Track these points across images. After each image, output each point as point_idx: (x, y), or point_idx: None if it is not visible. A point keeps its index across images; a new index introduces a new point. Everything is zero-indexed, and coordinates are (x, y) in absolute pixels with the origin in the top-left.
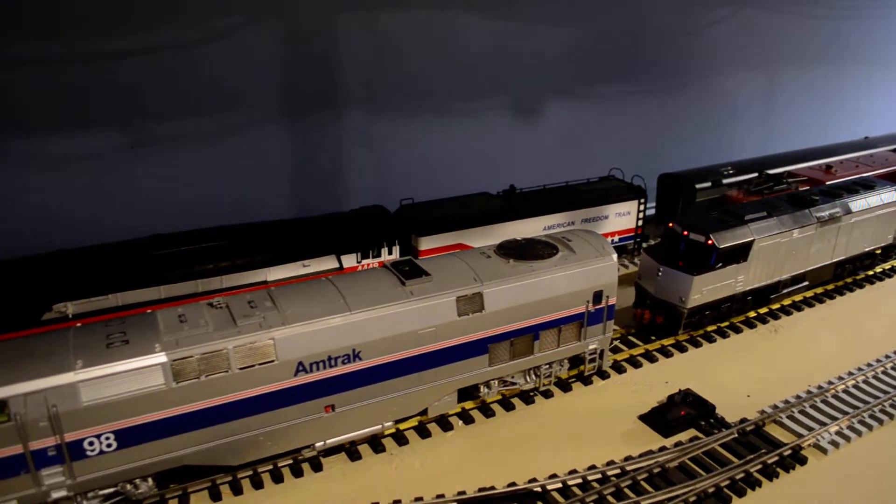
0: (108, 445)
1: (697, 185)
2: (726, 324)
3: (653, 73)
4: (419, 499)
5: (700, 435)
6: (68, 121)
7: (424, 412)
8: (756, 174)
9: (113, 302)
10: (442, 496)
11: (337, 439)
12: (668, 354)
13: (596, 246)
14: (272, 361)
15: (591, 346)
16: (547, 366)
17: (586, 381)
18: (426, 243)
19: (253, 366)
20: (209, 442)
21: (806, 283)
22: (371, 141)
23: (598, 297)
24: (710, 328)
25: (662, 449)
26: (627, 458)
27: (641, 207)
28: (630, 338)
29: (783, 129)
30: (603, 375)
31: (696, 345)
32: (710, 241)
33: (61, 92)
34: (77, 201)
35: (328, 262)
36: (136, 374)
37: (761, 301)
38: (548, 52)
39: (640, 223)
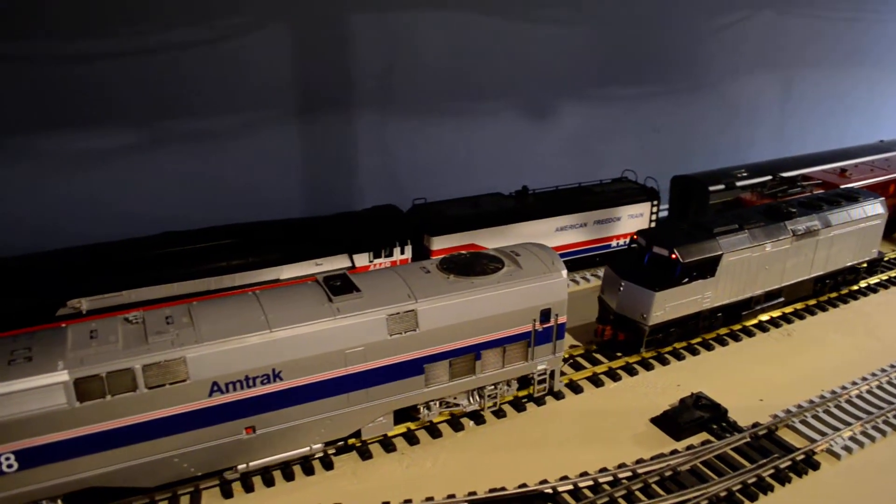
0: (9, 466)
1: (710, 188)
2: (738, 327)
3: (667, 74)
4: (430, 498)
5: (712, 439)
6: (83, 119)
7: (358, 434)
8: (770, 177)
9: (126, 298)
10: (453, 496)
11: (261, 461)
12: (679, 357)
13: (545, 261)
14: (184, 381)
15: (539, 367)
16: (492, 386)
17: (539, 401)
18: (438, 243)
19: (164, 385)
20: (119, 463)
21: (781, 300)
22: (384, 141)
23: (545, 315)
24: (721, 331)
25: (674, 452)
26: (639, 461)
27: (654, 209)
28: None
29: (798, 131)
30: (557, 396)
31: (709, 348)
32: (673, 255)
33: (77, 89)
34: (92, 199)
35: (340, 262)
36: (36, 392)
37: (732, 318)
38: (562, 53)
39: (653, 225)
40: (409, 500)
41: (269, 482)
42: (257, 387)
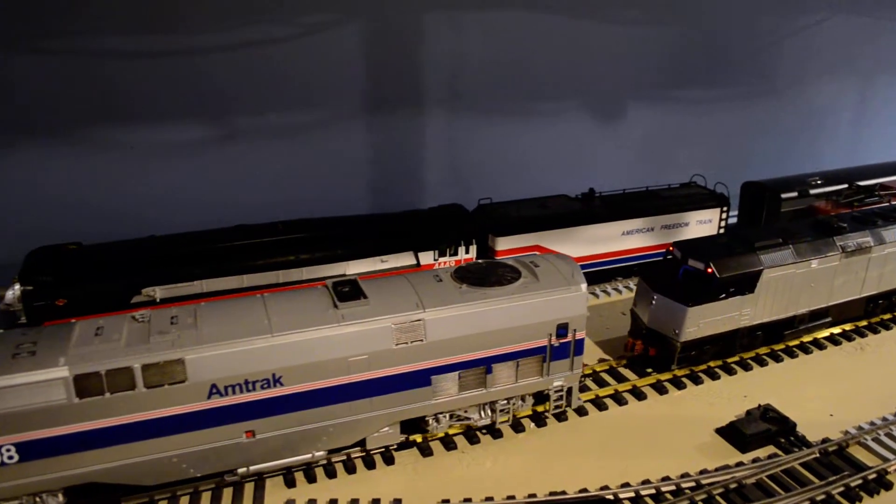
0: (10, 458)
1: (783, 195)
2: (809, 339)
3: (739, 77)
4: (489, 498)
5: (779, 452)
6: (158, 113)
7: (362, 443)
8: (846, 185)
9: (198, 288)
10: (512, 497)
11: (261, 466)
12: (747, 367)
13: (564, 273)
14: (182, 382)
15: (555, 383)
16: (505, 401)
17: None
18: (503, 244)
19: (162, 385)
20: (117, 461)
21: (829, 320)
22: (451, 140)
23: (562, 329)
24: (791, 343)
25: (739, 464)
26: (703, 472)
27: (724, 216)
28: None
29: (876, 139)
30: (569, 414)
31: (777, 359)
32: (709, 270)
33: (156, 84)
34: (165, 190)
35: (406, 259)
36: (36, 387)
37: (774, 337)
38: (631, 55)
39: (722, 232)
40: (469, 500)
41: (331, 473)
42: (257, 391)
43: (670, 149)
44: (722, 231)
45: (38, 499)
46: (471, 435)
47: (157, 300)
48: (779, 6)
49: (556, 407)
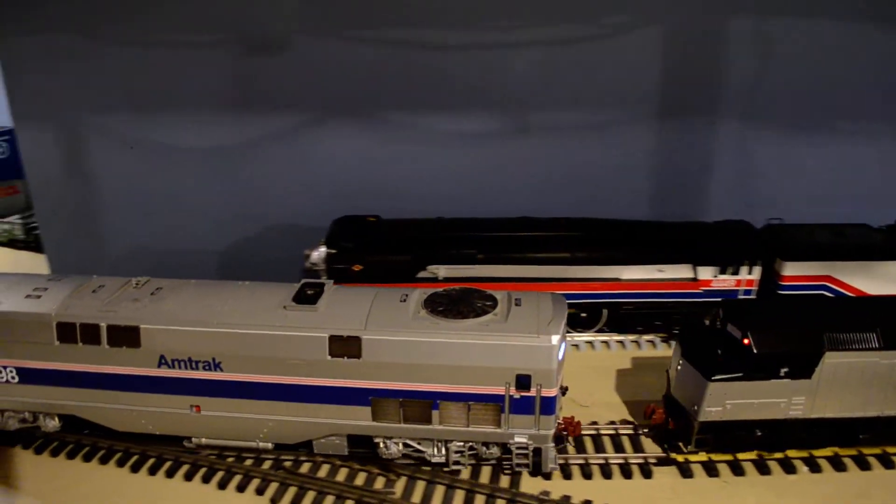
0: (12, 378)
1: None
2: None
3: None
4: None
5: None
6: (455, 103)
7: (309, 445)
8: None
9: (477, 272)
10: None
11: (209, 441)
12: None
13: (541, 319)
14: (137, 347)
15: (518, 439)
16: (461, 443)
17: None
18: (790, 269)
19: (121, 346)
20: (92, 402)
21: None
22: (743, 153)
23: (523, 381)
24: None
25: None
26: None
27: None
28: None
29: None
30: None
31: None
32: (745, 340)
33: (456, 76)
34: (454, 175)
35: (683, 272)
36: (30, 323)
37: (846, 438)
38: None
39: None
40: None
41: (587, 475)
42: (200, 371)
43: None
44: None
45: (39, 418)
46: (735, 465)
47: (440, 278)
48: None
49: (520, 465)
